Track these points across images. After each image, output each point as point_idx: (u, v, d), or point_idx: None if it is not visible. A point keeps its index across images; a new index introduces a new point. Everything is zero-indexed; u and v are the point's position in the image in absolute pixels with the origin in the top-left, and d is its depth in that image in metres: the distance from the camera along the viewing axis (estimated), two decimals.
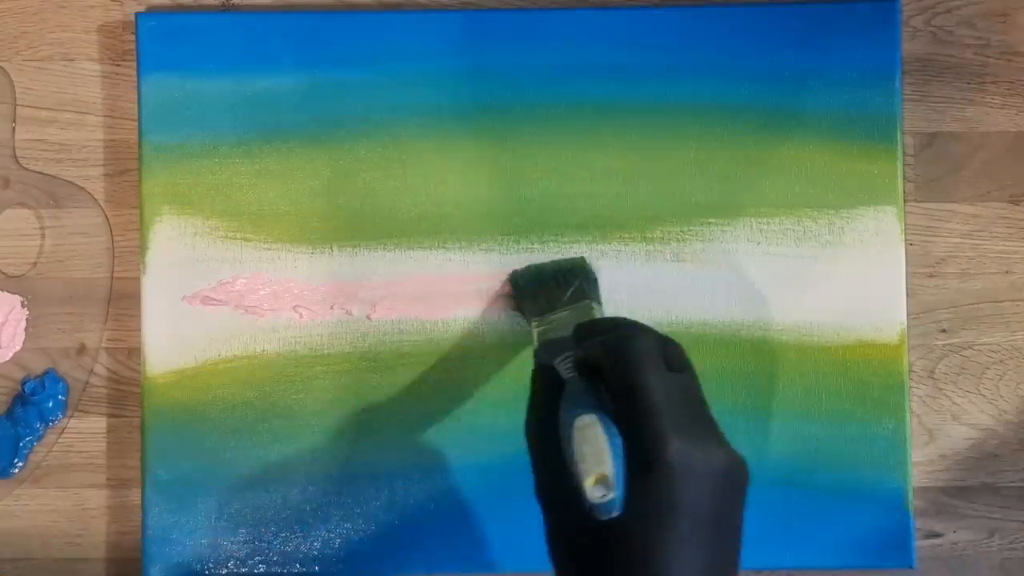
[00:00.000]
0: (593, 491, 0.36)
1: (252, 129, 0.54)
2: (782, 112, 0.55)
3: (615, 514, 0.36)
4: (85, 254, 0.56)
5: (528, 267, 0.54)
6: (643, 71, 0.55)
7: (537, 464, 0.41)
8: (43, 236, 0.56)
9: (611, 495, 0.36)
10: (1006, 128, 0.57)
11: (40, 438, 0.56)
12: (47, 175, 0.56)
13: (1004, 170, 0.57)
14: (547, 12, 0.55)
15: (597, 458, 0.36)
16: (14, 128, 0.56)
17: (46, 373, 0.56)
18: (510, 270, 0.55)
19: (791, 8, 0.55)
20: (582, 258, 0.54)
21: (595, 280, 0.53)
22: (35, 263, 0.56)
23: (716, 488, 0.37)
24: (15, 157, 0.56)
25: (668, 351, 0.40)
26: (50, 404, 0.55)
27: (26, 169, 0.56)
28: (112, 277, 0.56)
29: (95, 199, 0.56)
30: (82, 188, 0.56)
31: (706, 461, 0.37)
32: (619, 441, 0.37)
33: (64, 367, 0.56)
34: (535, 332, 0.49)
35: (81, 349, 0.56)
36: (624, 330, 0.41)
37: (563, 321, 0.49)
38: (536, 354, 0.46)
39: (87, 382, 0.56)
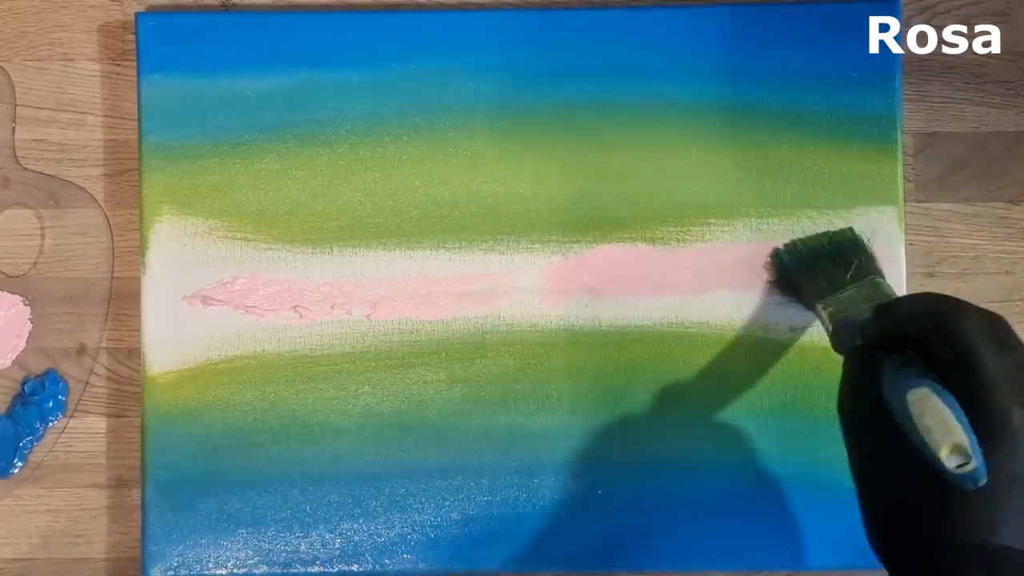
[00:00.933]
0: (949, 460, 0.35)
1: (252, 129, 0.55)
2: (782, 112, 0.55)
3: (982, 483, 0.36)
4: (85, 254, 0.56)
5: (794, 245, 0.54)
6: (644, 71, 0.55)
7: (862, 440, 0.41)
8: (43, 236, 0.56)
9: (971, 464, 0.35)
10: (1006, 128, 0.57)
11: (40, 438, 0.56)
12: (47, 175, 0.56)
13: (1004, 170, 0.57)
14: (548, 12, 0.55)
15: (945, 427, 0.36)
16: (14, 128, 0.56)
17: (46, 373, 0.56)
18: (509, 271, 0.55)
19: (791, 8, 0.55)
20: (851, 229, 0.53)
21: (872, 252, 0.52)
22: (35, 263, 0.56)
23: None
24: (15, 157, 0.56)
25: (997, 328, 0.40)
26: (50, 404, 0.55)
27: (26, 169, 0.56)
28: (112, 277, 0.56)
29: (95, 199, 0.56)
30: (82, 188, 0.56)
31: None
32: (960, 412, 0.37)
33: (64, 367, 0.56)
34: (824, 314, 0.49)
35: (81, 349, 0.56)
36: (946, 305, 0.41)
37: (852, 300, 0.48)
38: (834, 338, 0.46)
39: (87, 382, 0.56)
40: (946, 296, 0.42)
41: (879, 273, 0.51)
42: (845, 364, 0.44)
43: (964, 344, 0.38)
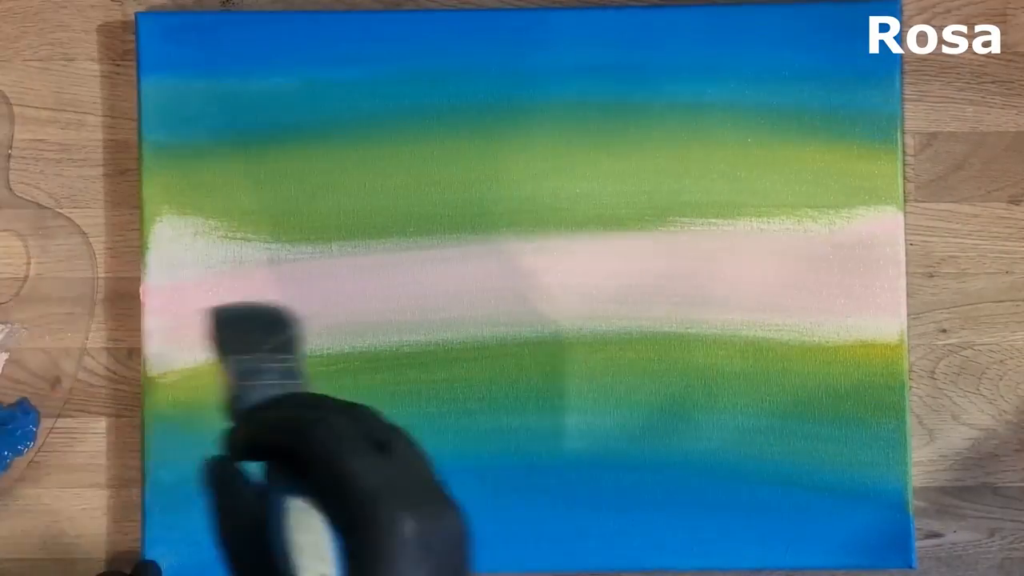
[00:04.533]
0: None
1: (252, 129, 0.54)
2: (783, 112, 0.55)
3: None
4: (69, 286, 0.56)
5: (234, 306, 0.46)
6: (644, 71, 0.55)
7: (229, 555, 0.35)
8: (28, 264, 0.56)
9: None
10: (1006, 128, 0.57)
11: (7, 467, 0.55)
12: (39, 205, 0.56)
13: (1004, 170, 0.57)
14: (547, 12, 0.55)
15: (318, 552, 0.33)
16: (10, 155, 0.56)
17: (18, 403, 0.56)
18: (509, 270, 0.55)
19: (792, 8, 0.55)
20: (292, 314, 0.45)
21: (301, 339, 0.45)
22: (18, 292, 0.56)
23: (460, 550, 0.35)
24: (8, 184, 0.56)
25: (366, 425, 0.35)
26: (19, 434, 0.55)
27: (19, 197, 0.56)
28: (92, 312, 0.56)
29: (83, 231, 0.56)
30: (70, 219, 0.56)
31: (445, 529, 0.35)
32: (334, 536, 0.33)
33: (36, 399, 0.56)
34: (227, 370, 0.42)
35: (56, 381, 0.56)
36: (306, 409, 0.35)
37: (263, 369, 0.42)
38: (225, 399, 0.40)
39: (58, 415, 0.56)
40: (312, 396, 0.38)
41: (302, 360, 0.43)
42: (215, 479, 0.36)
43: (327, 454, 0.33)
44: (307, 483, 0.34)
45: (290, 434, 0.34)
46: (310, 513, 0.33)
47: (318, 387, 0.54)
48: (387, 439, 0.35)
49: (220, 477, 0.36)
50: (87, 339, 0.56)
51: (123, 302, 0.56)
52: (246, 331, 0.44)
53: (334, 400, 0.37)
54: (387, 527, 0.32)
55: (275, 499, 0.34)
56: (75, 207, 0.56)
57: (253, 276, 0.54)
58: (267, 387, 0.40)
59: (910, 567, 0.54)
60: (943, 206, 0.57)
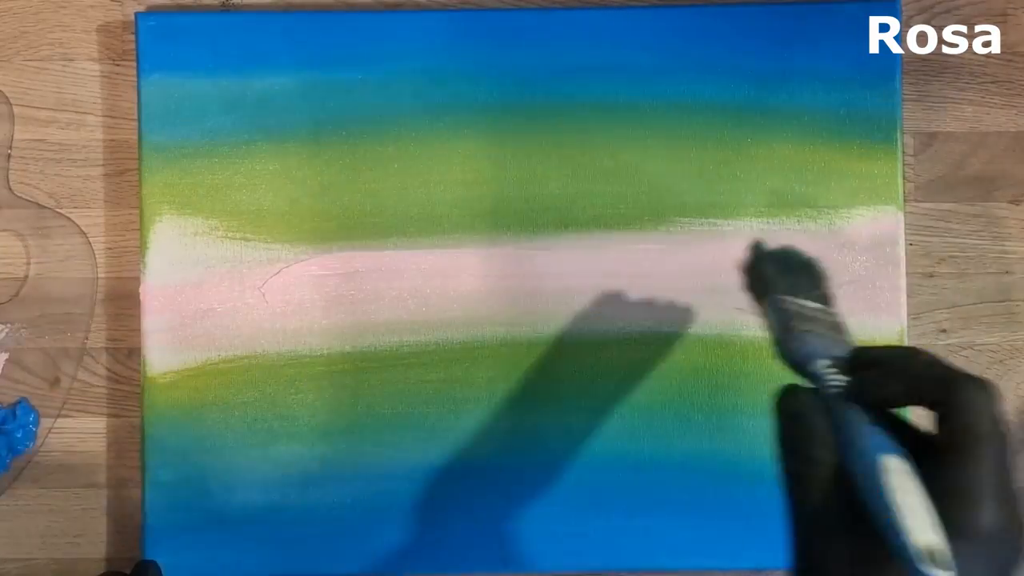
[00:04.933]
0: (924, 561, 0.31)
1: (252, 129, 0.54)
2: (782, 111, 0.55)
3: None
4: (69, 286, 0.56)
5: (776, 246, 0.46)
6: (643, 71, 0.55)
7: (795, 453, 0.35)
8: (28, 264, 0.56)
9: (948, 574, 0.31)
10: (1006, 128, 0.57)
11: (7, 468, 0.55)
12: (39, 205, 0.56)
13: (1004, 170, 0.57)
14: (546, 12, 0.55)
15: (922, 519, 0.32)
16: (10, 155, 0.56)
17: (18, 403, 0.56)
18: (509, 270, 0.55)
19: (791, 8, 0.55)
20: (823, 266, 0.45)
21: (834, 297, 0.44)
22: (18, 292, 0.56)
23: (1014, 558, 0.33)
24: (8, 184, 0.56)
25: (997, 408, 0.34)
26: (19, 435, 0.55)
27: (19, 197, 0.56)
28: (92, 312, 0.56)
29: (83, 231, 0.56)
30: (70, 219, 0.56)
31: (1017, 531, 0.33)
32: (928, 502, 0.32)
33: (36, 399, 0.56)
34: (777, 308, 0.41)
35: (55, 382, 0.56)
36: (962, 379, 0.34)
37: (812, 314, 0.41)
38: (779, 341, 0.39)
39: (57, 415, 0.56)
40: (945, 363, 0.36)
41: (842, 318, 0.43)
42: (788, 411, 0.37)
43: (973, 436, 0.33)
44: (916, 444, 0.34)
45: (936, 389, 0.34)
46: (909, 476, 0.33)
47: (319, 387, 0.54)
48: (1003, 419, 0.34)
49: (796, 411, 0.36)
50: (87, 339, 0.56)
51: (123, 302, 0.56)
52: (792, 274, 0.43)
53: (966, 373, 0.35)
54: (976, 515, 0.32)
55: (867, 447, 0.34)
56: (75, 207, 0.56)
57: (252, 276, 0.54)
58: (816, 337, 0.39)
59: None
60: (943, 206, 0.57)
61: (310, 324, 0.54)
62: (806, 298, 0.42)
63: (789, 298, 0.42)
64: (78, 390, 0.56)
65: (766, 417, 0.54)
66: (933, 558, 0.31)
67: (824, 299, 0.42)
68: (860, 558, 0.33)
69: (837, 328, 0.40)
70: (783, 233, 0.55)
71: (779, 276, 0.44)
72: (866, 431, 0.34)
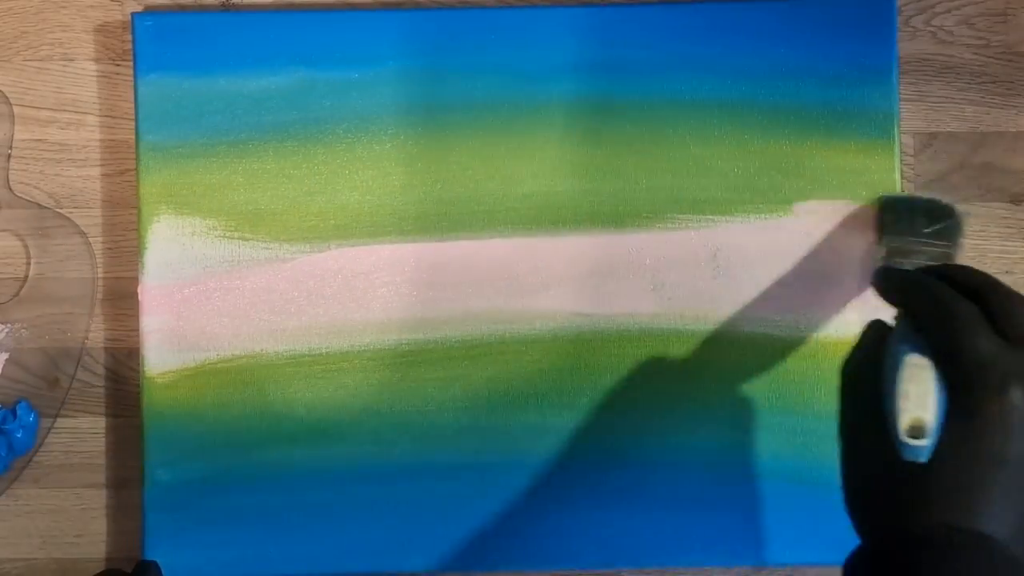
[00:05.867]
0: (907, 431, 0.36)
1: (250, 128, 0.55)
2: (780, 108, 0.55)
3: (921, 460, 0.36)
4: (69, 286, 0.56)
5: (903, 195, 0.54)
6: (642, 68, 0.55)
7: (848, 397, 0.41)
8: (28, 265, 0.56)
9: (924, 442, 0.36)
10: (1006, 128, 0.57)
11: (7, 468, 0.55)
12: (39, 205, 0.56)
13: (1004, 170, 0.57)
14: (545, 10, 0.55)
15: (920, 400, 0.36)
16: (10, 155, 0.56)
17: (18, 403, 0.55)
18: (508, 267, 0.55)
19: (788, 5, 0.55)
20: (955, 206, 0.52)
21: (960, 229, 0.51)
22: (18, 292, 0.56)
23: None
24: (8, 184, 0.56)
25: (1004, 315, 0.38)
26: (19, 435, 0.55)
27: (19, 197, 0.56)
28: (92, 312, 0.56)
29: (83, 232, 0.56)
30: (70, 219, 0.56)
31: None
32: (944, 396, 0.37)
33: (36, 399, 0.56)
34: (884, 247, 0.51)
35: (55, 382, 0.56)
36: (938, 294, 0.39)
37: (917, 248, 0.49)
38: (876, 275, 0.44)
39: (56, 415, 0.56)
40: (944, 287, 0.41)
41: (956, 247, 0.51)
42: (863, 331, 0.43)
43: (955, 336, 0.37)
44: (928, 343, 0.38)
45: (921, 299, 0.39)
46: (925, 368, 0.37)
47: (319, 387, 0.54)
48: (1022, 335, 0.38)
49: (872, 331, 0.42)
50: (87, 339, 0.56)
51: (123, 302, 0.56)
52: (911, 216, 0.51)
53: (996, 284, 0.39)
54: (996, 390, 0.36)
55: (897, 350, 0.38)
56: (75, 207, 0.56)
57: (251, 276, 0.54)
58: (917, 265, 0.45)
59: None
60: None
61: (309, 323, 0.54)
62: (914, 237, 0.50)
63: (891, 238, 0.50)
64: (78, 390, 0.56)
65: (766, 412, 0.54)
66: (914, 431, 0.35)
67: (937, 235, 0.50)
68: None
69: (943, 257, 0.48)
70: (780, 229, 0.55)
71: (893, 222, 0.51)
72: (903, 338, 0.39)
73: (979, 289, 0.39)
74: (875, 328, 0.43)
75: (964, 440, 0.36)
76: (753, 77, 0.55)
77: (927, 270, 0.42)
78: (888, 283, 0.42)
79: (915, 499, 0.36)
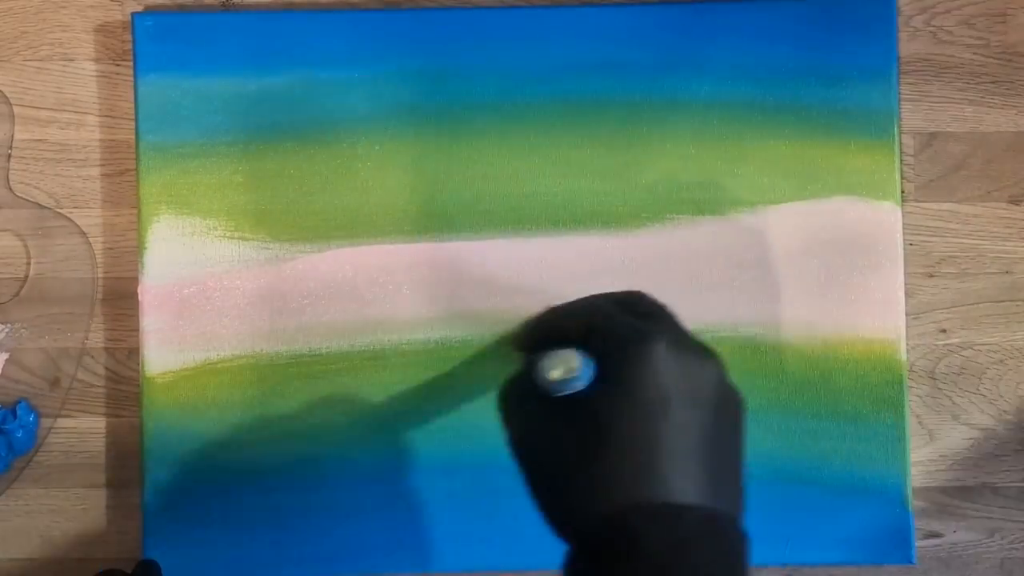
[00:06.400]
0: (553, 374, 0.37)
1: (250, 128, 0.55)
2: (779, 108, 0.55)
3: (578, 386, 0.37)
4: (69, 286, 0.56)
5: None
6: (641, 68, 0.55)
7: (516, 422, 0.41)
8: (28, 265, 0.56)
9: (575, 372, 0.37)
10: (1006, 128, 0.57)
11: (7, 468, 0.55)
12: (39, 205, 0.56)
13: (1004, 170, 0.57)
14: (545, 10, 0.55)
15: (565, 357, 0.37)
16: (10, 155, 0.56)
17: (18, 403, 0.55)
18: (508, 267, 0.55)
19: (788, 5, 0.55)
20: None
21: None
22: (18, 292, 0.56)
23: (701, 396, 0.37)
24: (8, 184, 0.56)
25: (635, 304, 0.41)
26: (19, 435, 0.55)
27: (19, 197, 0.56)
28: (92, 312, 0.56)
29: (83, 232, 0.56)
30: (70, 219, 0.56)
31: (700, 363, 0.38)
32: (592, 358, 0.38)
33: (37, 399, 0.56)
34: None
35: (55, 382, 0.56)
36: (579, 301, 0.42)
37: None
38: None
39: (57, 415, 0.56)
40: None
41: None
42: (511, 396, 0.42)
43: (598, 318, 0.39)
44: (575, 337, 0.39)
45: (568, 314, 0.40)
46: (570, 352, 0.38)
47: (319, 387, 0.54)
48: (652, 314, 0.40)
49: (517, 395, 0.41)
50: (86, 339, 0.56)
51: (123, 302, 0.56)
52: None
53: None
54: (644, 339, 0.37)
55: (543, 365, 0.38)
56: (75, 207, 0.56)
57: (251, 276, 0.54)
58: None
59: (910, 563, 0.54)
60: (943, 206, 0.57)
61: (309, 323, 0.54)
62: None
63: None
64: (78, 390, 0.56)
65: (761, 412, 0.55)
66: (566, 372, 0.37)
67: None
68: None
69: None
70: (780, 229, 0.55)
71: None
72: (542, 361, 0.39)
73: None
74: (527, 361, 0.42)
75: (617, 374, 0.37)
76: (753, 77, 0.55)
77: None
78: (524, 334, 0.43)
79: (597, 487, 0.36)
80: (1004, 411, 0.56)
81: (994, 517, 0.56)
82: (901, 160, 0.55)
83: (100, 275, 0.56)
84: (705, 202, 0.55)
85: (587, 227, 0.55)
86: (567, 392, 0.37)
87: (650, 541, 0.35)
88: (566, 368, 0.37)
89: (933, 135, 0.57)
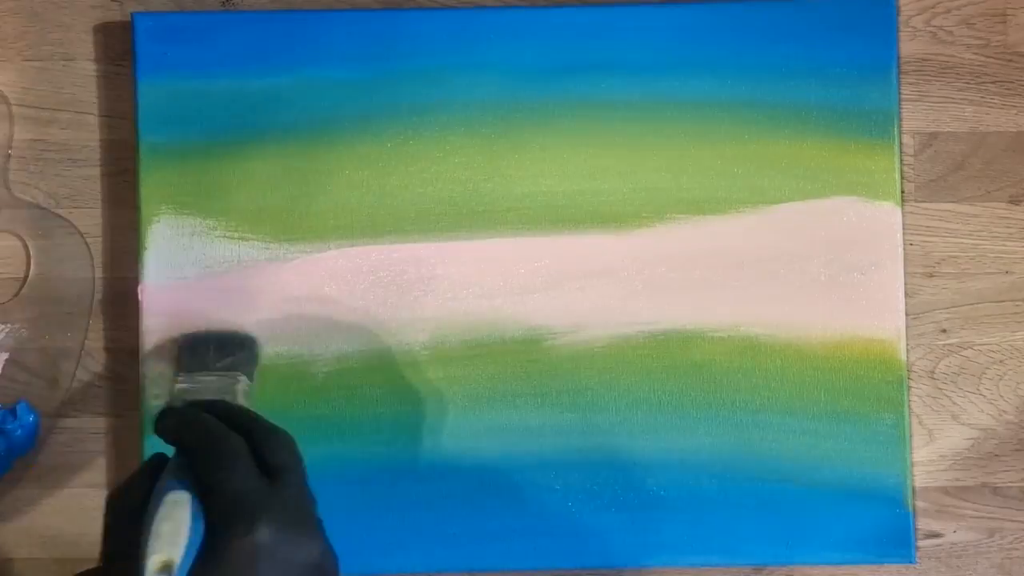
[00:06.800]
0: (155, 572, 0.35)
1: (250, 128, 0.55)
2: (779, 108, 0.55)
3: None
4: (68, 287, 0.56)
5: (200, 332, 0.54)
6: (641, 68, 0.55)
7: (111, 534, 0.40)
8: (28, 265, 0.56)
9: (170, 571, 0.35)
10: (1006, 128, 0.57)
11: (9, 468, 0.55)
12: (39, 206, 0.56)
13: (1004, 170, 0.57)
14: (546, 10, 0.56)
15: (172, 540, 0.36)
16: (9, 155, 0.56)
17: (18, 403, 0.55)
18: (509, 267, 0.55)
19: (788, 5, 0.55)
20: (252, 336, 0.54)
21: (255, 359, 0.53)
22: (18, 292, 0.56)
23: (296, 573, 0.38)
24: (7, 184, 0.56)
25: (267, 450, 0.40)
26: (19, 435, 0.55)
27: (19, 197, 0.56)
28: (91, 311, 0.56)
29: (81, 233, 0.56)
30: (70, 221, 0.56)
31: (293, 552, 0.38)
32: (202, 528, 0.37)
33: (36, 400, 0.56)
34: (175, 388, 0.49)
35: (55, 382, 0.56)
36: (209, 429, 0.40)
37: (208, 386, 0.49)
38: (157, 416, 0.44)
39: (56, 415, 0.56)
40: (238, 408, 0.44)
41: (250, 375, 0.52)
42: (141, 464, 0.43)
43: (214, 471, 0.38)
44: (194, 482, 0.38)
45: (193, 434, 0.40)
46: (181, 507, 0.37)
47: (318, 387, 0.54)
48: (280, 468, 0.40)
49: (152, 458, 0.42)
50: (87, 339, 0.56)
51: (123, 302, 0.56)
52: (203, 351, 0.52)
53: (257, 419, 0.43)
54: (246, 528, 0.37)
55: (163, 487, 0.38)
56: (75, 207, 0.56)
57: (251, 275, 0.54)
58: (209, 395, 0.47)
59: (910, 562, 0.54)
60: (943, 206, 0.57)
61: (309, 323, 0.54)
62: (204, 372, 0.50)
63: (186, 376, 0.50)
64: (78, 390, 0.56)
65: (765, 412, 0.54)
66: (163, 568, 0.35)
67: (229, 366, 0.51)
68: None
69: (222, 390, 0.49)
70: (780, 229, 0.55)
71: (186, 357, 0.52)
72: (173, 472, 0.39)
73: (242, 423, 0.41)
74: (151, 462, 0.42)
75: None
76: (753, 77, 0.55)
77: (205, 405, 0.43)
78: (165, 421, 0.42)
79: None
80: (1004, 411, 0.56)
81: (994, 517, 0.56)
82: (901, 160, 0.55)
83: (100, 275, 0.56)
84: (705, 202, 0.55)
85: (587, 227, 0.55)
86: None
87: None
88: (166, 566, 0.36)
89: (933, 135, 0.57)
